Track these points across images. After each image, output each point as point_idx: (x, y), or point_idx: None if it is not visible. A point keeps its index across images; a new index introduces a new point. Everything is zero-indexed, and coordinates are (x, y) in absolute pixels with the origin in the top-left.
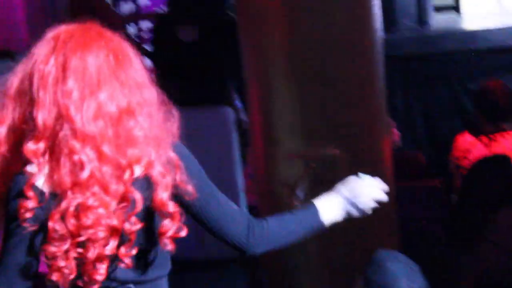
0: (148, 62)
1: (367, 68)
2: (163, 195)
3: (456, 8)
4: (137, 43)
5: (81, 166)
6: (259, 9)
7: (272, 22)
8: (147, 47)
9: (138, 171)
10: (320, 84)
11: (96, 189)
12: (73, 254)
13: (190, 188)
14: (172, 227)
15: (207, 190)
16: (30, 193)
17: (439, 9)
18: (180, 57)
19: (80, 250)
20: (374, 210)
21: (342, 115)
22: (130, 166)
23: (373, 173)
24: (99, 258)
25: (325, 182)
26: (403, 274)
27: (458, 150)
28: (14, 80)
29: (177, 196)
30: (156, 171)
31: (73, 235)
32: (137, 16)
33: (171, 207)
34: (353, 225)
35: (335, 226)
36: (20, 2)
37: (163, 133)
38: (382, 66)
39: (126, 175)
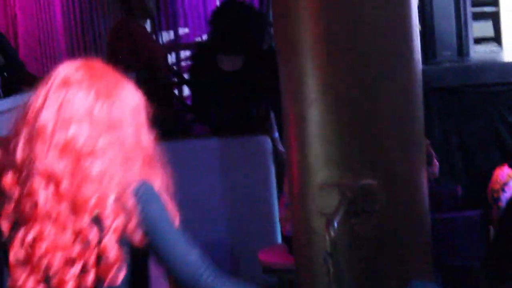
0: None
1: (406, 99)
2: (109, 238)
3: (496, 40)
4: (176, 72)
5: (39, 200)
6: (297, 39)
7: (310, 55)
8: (186, 76)
9: (94, 210)
10: (357, 114)
11: (52, 222)
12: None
13: (139, 234)
14: (109, 272)
15: (164, 235)
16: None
17: (479, 40)
18: (220, 86)
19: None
20: (410, 241)
21: (379, 145)
22: (85, 204)
23: (409, 204)
24: (61, 285)
25: (362, 212)
26: None
27: (496, 183)
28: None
29: (124, 240)
30: (107, 213)
31: (31, 262)
32: (177, 45)
33: (113, 252)
34: (389, 257)
35: (371, 258)
36: (62, 32)
37: (126, 174)
38: (421, 97)
39: (82, 213)
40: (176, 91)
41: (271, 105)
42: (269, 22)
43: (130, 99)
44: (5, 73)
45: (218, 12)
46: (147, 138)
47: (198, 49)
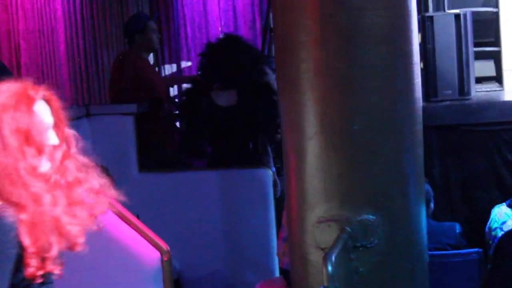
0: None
1: (406, 136)
2: None
3: (498, 79)
4: (178, 104)
5: None
6: (298, 73)
7: (310, 89)
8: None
9: None
10: (357, 149)
11: None
12: None
13: None
14: None
15: None
16: None
17: (480, 80)
18: (216, 121)
19: None
20: (408, 278)
21: (379, 180)
22: None
23: (408, 240)
24: None
25: (360, 247)
26: None
27: (495, 221)
28: None
29: None
30: None
31: None
32: (178, 79)
33: None
34: None
35: None
36: (65, 63)
37: None
38: (421, 134)
39: None
40: (177, 124)
41: (268, 139)
42: (265, 59)
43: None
44: None
45: (212, 47)
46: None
47: (193, 85)
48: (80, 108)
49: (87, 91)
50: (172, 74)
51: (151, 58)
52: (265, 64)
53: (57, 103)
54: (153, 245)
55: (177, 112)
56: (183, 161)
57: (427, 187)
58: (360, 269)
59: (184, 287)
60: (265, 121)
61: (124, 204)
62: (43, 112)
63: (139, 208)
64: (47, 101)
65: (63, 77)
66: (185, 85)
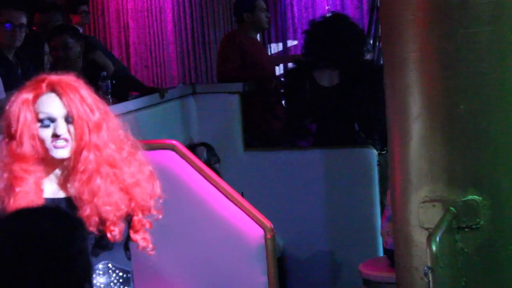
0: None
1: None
2: None
3: None
4: (284, 83)
5: None
6: (405, 55)
7: (417, 71)
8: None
9: None
10: (463, 131)
11: None
12: None
13: None
14: None
15: None
16: None
17: None
18: (319, 101)
19: None
20: None
21: (485, 162)
22: None
23: None
24: None
25: (465, 228)
26: None
27: None
28: None
29: None
30: None
31: None
32: (284, 58)
33: None
34: (492, 275)
35: (473, 275)
36: (173, 41)
37: None
38: None
39: None
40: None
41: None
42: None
43: None
44: (114, 80)
45: (316, 25)
46: None
47: (296, 64)
48: (186, 87)
49: (194, 70)
50: (278, 53)
51: (258, 37)
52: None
53: (75, 95)
54: (257, 223)
55: (282, 91)
56: (288, 140)
57: None
58: (465, 250)
59: (288, 264)
60: (367, 102)
61: (229, 182)
62: (48, 104)
63: (244, 186)
64: (59, 94)
65: (170, 56)
66: (290, 64)
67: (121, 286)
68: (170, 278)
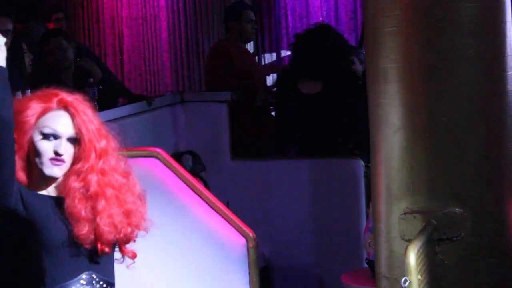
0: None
1: (495, 130)
2: None
3: None
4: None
5: None
6: (387, 67)
7: (399, 82)
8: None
9: None
10: (445, 142)
11: None
12: None
13: None
14: None
15: None
16: None
17: None
18: (303, 110)
19: None
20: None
21: (467, 175)
22: None
23: (495, 236)
24: None
25: (446, 240)
26: None
27: None
28: None
29: None
30: None
31: None
32: (272, 67)
33: None
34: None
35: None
36: (167, 50)
37: None
38: (511, 129)
39: None
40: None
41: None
42: (354, 50)
43: None
44: (100, 86)
45: (300, 37)
46: None
47: (281, 74)
48: (174, 95)
49: (187, 78)
50: (272, 63)
51: (251, 46)
52: (355, 55)
53: (86, 119)
54: (239, 232)
55: (273, 101)
56: (276, 150)
57: None
58: (445, 262)
59: (273, 274)
60: (350, 112)
61: (216, 190)
62: (57, 122)
63: (231, 194)
64: (72, 114)
65: (164, 64)
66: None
67: None
68: (151, 285)
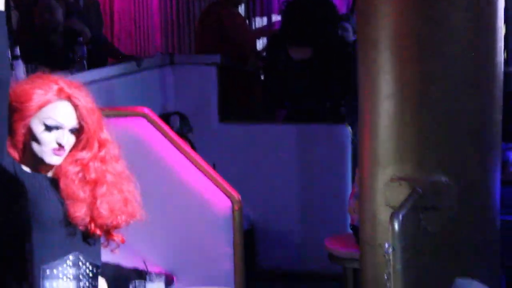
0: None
1: (484, 101)
2: None
3: None
4: (264, 57)
5: None
6: (378, 36)
7: (389, 51)
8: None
9: None
10: (434, 112)
11: None
12: None
13: None
14: None
15: None
16: None
17: None
18: (291, 75)
19: None
20: (478, 241)
21: (454, 144)
22: None
23: (479, 204)
24: None
25: (430, 208)
26: None
27: None
28: None
29: None
30: None
31: None
32: (263, 32)
33: None
34: (454, 254)
35: (435, 254)
36: (157, 11)
37: None
38: (500, 100)
39: None
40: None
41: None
42: (347, 16)
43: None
44: (90, 46)
45: (290, 3)
46: None
47: (271, 39)
48: (164, 56)
49: (177, 40)
50: (263, 27)
51: (242, 10)
52: (348, 22)
53: (89, 110)
54: (225, 194)
55: (262, 65)
56: (264, 114)
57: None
58: (429, 230)
59: (257, 237)
60: (338, 77)
61: (202, 152)
62: (60, 113)
63: (217, 157)
64: (75, 106)
65: (154, 26)
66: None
67: (90, 280)
68: (136, 245)
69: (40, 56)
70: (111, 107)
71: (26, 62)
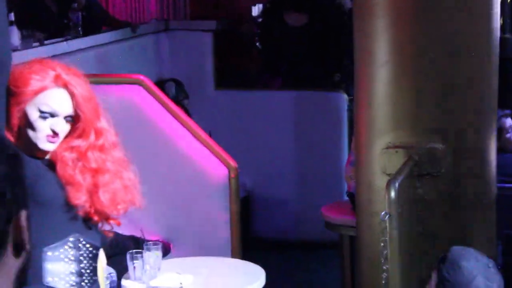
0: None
1: (480, 68)
2: None
3: None
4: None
5: None
6: (374, 1)
7: (385, 16)
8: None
9: None
10: (429, 79)
11: None
12: None
13: None
14: None
15: None
16: None
17: None
18: (287, 41)
19: None
20: (473, 208)
21: (450, 111)
22: None
23: (476, 171)
24: None
25: (426, 175)
26: (480, 273)
27: None
28: None
29: None
30: None
31: None
32: None
33: None
34: (449, 222)
35: (431, 221)
36: None
37: None
38: (496, 67)
39: None
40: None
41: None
42: None
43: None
44: (84, 13)
45: None
46: None
47: (267, 5)
48: (159, 23)
49: (173, 6)
50: None
51: None
52: None
53: (85, 98)
54: (221, 162)
55: (258, 31)
56: (260, 80)
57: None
58: (425, 197)
59: (253, 204)
60: (334, 44)
61: (198, 120)
62: (56, 101)
63: (213, 124)
64: (71, 94)
65: None
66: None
67: (90, 261)
68: (132, 214)
69: (34, 22)
70: (107, 74)
71: (20, 27)
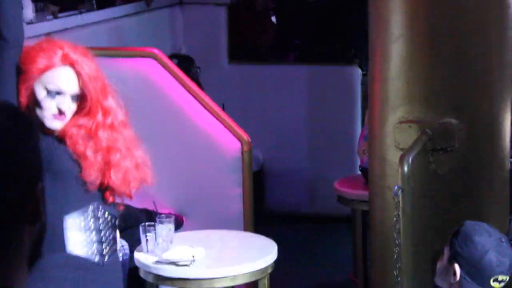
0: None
1: (494, 43)
2: None
3: None
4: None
5: None
6: None
7: None
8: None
9: None
10: (444, 52)
11: None
12: None
13: None
14: None
15: None
16: None
17: None
18: (302, 16)
19: None
20: (487, 184)
21: (465, 86)
22: None
23: (489, 147)
24: None
25: (440, 150)
26: (492, 247)
27: None
28: None
29: None
30: None
31: None
32: None
33: None
34: (463, 197)
35: (444, 196)
36: None
37: None
38: (510, 41)
39: None
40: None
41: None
42: None
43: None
44: None
45: None
46: None
47: None
48: None
49: None
50: None
51: None
52: None
53: (92, 78)
54: (234, 135)
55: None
56: (275, 55)
57: None
58: (438, 172)
59: (266, 178)
60: (348, 19)
61: (211, 93)
62: (62, 79)
63: (226, 98)
64: (78, 72)
65: None
66: None
67: (110, 229)
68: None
69: None
70: (120, 47)
71: (35, 0)
